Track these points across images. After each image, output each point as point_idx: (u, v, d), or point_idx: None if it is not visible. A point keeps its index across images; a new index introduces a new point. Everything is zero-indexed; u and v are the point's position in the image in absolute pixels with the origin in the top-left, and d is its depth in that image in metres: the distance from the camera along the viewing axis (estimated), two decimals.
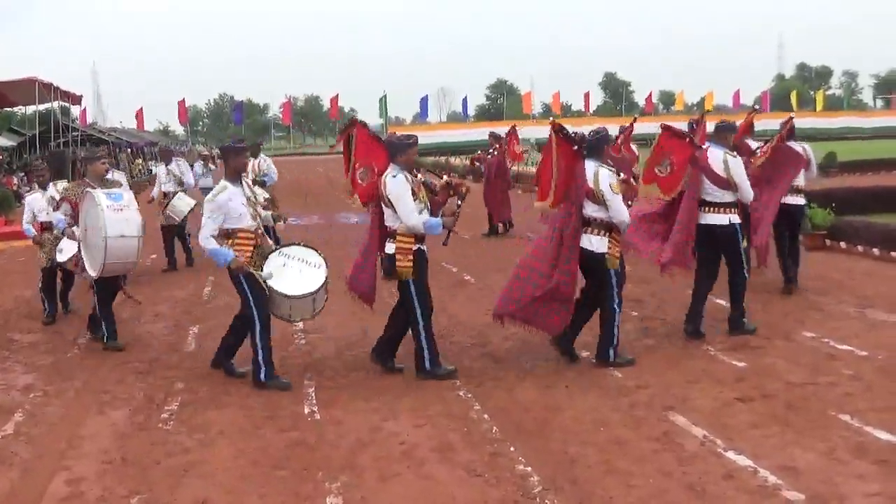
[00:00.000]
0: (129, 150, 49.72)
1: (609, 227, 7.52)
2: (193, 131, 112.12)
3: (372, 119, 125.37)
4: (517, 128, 19.52)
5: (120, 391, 7.42)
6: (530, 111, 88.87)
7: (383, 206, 7.34)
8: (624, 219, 7.51)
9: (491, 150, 17.71)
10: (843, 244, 13.04)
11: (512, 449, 5.75)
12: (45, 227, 10.25)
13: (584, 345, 8.01)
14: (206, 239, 7.22)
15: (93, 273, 8.38)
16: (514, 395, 6.90)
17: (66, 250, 9.52)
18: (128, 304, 9.72)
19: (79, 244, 8.67)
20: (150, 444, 6.12)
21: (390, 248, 7.32)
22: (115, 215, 8.12)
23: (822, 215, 13.14)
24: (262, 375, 7.31)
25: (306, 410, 6.74)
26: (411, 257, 7.26)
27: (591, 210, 7.48)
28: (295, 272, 7.48)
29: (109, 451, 5.99)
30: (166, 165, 15.00)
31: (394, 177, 7.19)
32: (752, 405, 6.44)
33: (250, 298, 7.30)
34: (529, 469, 5.40)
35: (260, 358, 7.30)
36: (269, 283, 7.29)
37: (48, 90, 29.35)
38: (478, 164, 18.93)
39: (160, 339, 9.25)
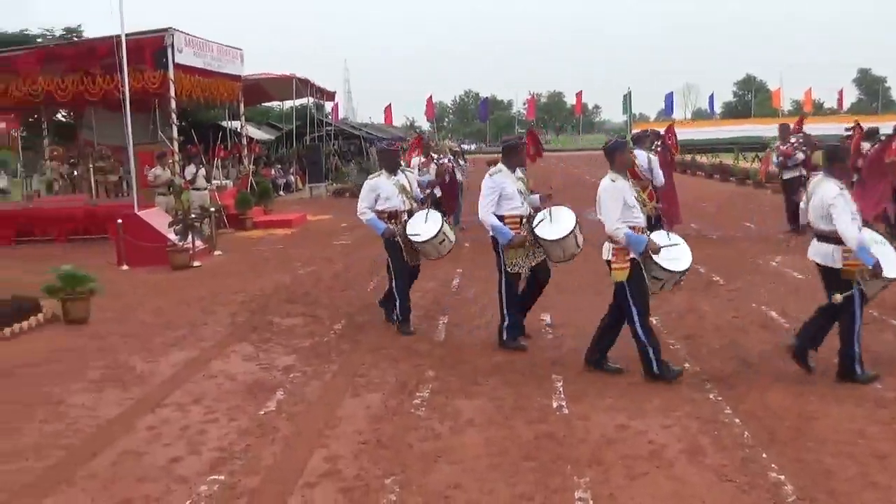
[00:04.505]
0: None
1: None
2: (439, 126, 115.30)
3: (615, 115, 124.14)
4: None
5: (374, 375, 7.80)
6: (779, 108, 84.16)
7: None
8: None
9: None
10: None
11: (764, 455, 5.60)
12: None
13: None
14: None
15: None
16: (766, 401, 6.70)
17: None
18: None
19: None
20: (403, 427, 6.40)
21: None
22: None
23: None
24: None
25: (555, 404, 6.83)
26: None
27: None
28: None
29: (364, 433, 6.30)
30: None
31: None
32: None
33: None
34: (783, 478, 5.25)
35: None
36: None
37: (304, 86, 30.96)
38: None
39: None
